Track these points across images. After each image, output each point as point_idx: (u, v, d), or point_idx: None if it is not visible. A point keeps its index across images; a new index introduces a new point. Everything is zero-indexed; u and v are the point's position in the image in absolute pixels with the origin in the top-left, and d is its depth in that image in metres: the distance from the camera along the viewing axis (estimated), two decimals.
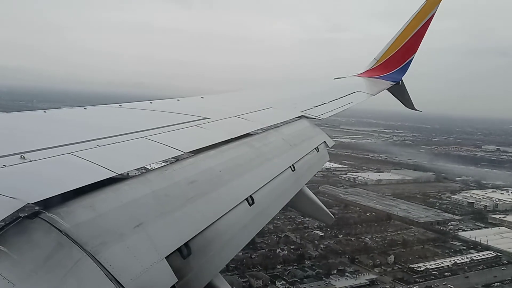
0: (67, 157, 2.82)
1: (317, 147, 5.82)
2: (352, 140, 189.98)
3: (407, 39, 11.54)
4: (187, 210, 2.93)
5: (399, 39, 11.69)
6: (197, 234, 2.79)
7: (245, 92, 8.56)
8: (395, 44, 11.84)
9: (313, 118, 6.68)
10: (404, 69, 11.92)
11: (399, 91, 12.04)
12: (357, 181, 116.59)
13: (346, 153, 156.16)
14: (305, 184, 5.20)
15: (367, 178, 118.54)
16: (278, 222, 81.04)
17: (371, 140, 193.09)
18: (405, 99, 12.29)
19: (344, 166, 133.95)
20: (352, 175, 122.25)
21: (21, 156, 2.64)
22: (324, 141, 6.21)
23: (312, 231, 78.63)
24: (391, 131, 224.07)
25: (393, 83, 11.80)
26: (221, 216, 3.14)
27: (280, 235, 75.83)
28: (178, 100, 5.75)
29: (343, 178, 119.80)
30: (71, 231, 2.15)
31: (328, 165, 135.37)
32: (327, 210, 6.15)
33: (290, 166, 4.71)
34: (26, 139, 3.12)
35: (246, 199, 3.55)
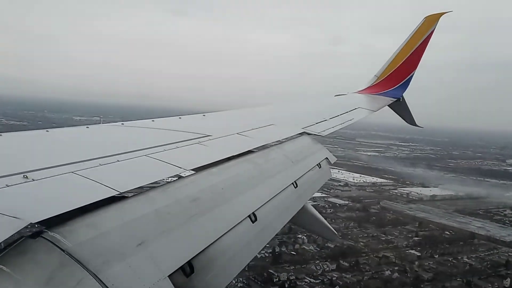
0: (69, 176, 2.84)
1: (319, 163, 5.78)
2: (377, 154, 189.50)
3: (407, 56, 11.75)
4: (189, 227, 2.91)
5: (399, 56, 11.91)
6: (200, 252, 2.78)
7: (246, 109, 8.42)
8: (395, 61, 12.05)
9: (315, 134, 6.67)
10: (405, 86, 12.08)
11: (400, 107, 12.14)
12: (410, 197, 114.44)
13: (381, 167, 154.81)
14: (308, 200, 5.26)
15: (420, 194, 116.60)
16: (362, 241, 78.52)
17: (396, 153, 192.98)
18: (406, 115, 12.37)
19: (387, 181, 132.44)
20: (402, 190, 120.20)
21: (23, 175, 2.65)
22: (326, 158, 6.19)
23: (406, 251, 76.06)
24: (407, 144, 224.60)
25: (394, 100, 11.89)
26: (224, 234, 3.10)
27: (379, 255, 72.89)
28: (180, 117, 5.72)
29: (394, 193, 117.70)
30: (73, 250, 2.15)
31: (372, 179, 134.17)
32: (330, 227, 6.17)
33: (292, 183, 4.68)
34: (29, 158, 3.13)
35: (249, 216, 3.51)
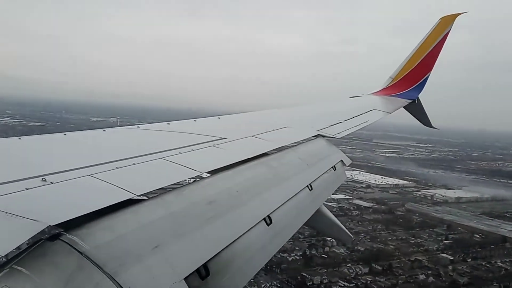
0: (87, 179, 2.87)
1: (334, 166, 5.74)
2: (396, 155, 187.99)
3: (423, 57, 11.60)
4: (205, 230, 2.93)
5: (414, 57, 11.77)
6: (215, 255, 2.79)
7: (261, 112, 8.21)
8: (410, 62, 11.91)
9: (330, 137, 6.62)
10: (420, 87, 11.91)
11: (416, 109, 12.01)
12: (435, 199, 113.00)
13: (402, 169, 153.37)
14: (324, 203, 5.26)
15: (445, 196, 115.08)
16: (392, 244, 77.53)
17: (415, 155, 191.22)
18: (422, 116, 12.24)
19: (409, 182, 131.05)
20: (426, 192, 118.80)
21: (42, 178, 2.69)
22: (341, 160, 6.14)
23: (438, 254, 74.92)
24: (424, 145, 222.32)
25: (410, 101, 11.75)
26: (239, 237, 3.11)
27: (411, 259, 71.90)
28: (195, 120, 5.73)
29: (418, 195, 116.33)
30: (91, 253, 2.18)
31: (394, 181, 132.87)
32: (346, 230, 6.12)
33: (307, 186, 4.65)
34: (47, 162, 3.16)
35: (264, 219, 3.52)
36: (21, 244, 1.92)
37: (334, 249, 74.26)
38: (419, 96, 12.07)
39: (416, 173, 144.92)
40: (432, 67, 11.88)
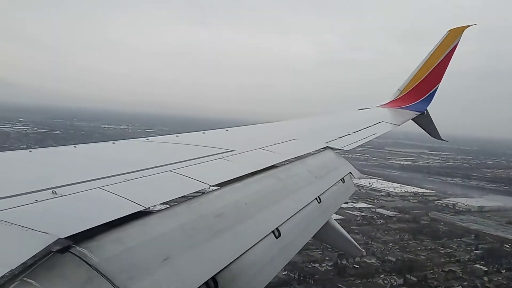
0: (96, 191, 2.89)
1: (342, 178, 5.72)
2: (410, 163, 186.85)
3: (431, 69, 11.61)
4: (214, 243, 2.94)
5: (423, 69, 11.79)
6: (224, 268, 2.80)
7: (269, 124, 8.24)
8: (418, 74, 11.93)
9: (338, 149, 6.56)
10: (429, 99, 11.95)
11: (424, 121, 12.06)
12: (457, 208, 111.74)
13: (418, 177, 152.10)
14: (333, 216, 5.19)
15: (467, 204, 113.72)
16: (422, 254, 76.25)
17: (429, 163, 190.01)
18: (430, 128, 12.30)
19: (428, 191, 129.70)
20: (447, 200, 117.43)
21: (52, 191, 2.71)
22: (350, 172, 6.10)
23: (471, 265, 73.61)
24: (437, 153, 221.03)
25: (418, 113, 11.79)
26: (248, 249, 3.12)
27: (445, 270, 70.62)
28: (204, 133, 5.75)
29: (440, 204, 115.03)
30: (100, 266, 2.19)
31: (413, 189, 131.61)
32: (355, 243, 6.10)
33: (316, 198, 4.65)
34: (57, 174, 3.20)
35: (273, 231, 3.53)
36: (32, 256, 1.94)
37: (365, 259, 73.13)
38: (427, 108, 12.10)
39: (434, 181, 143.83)
40: (441, 80, 11.88)
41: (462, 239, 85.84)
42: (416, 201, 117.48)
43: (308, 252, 76.01)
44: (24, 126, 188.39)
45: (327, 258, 73.03)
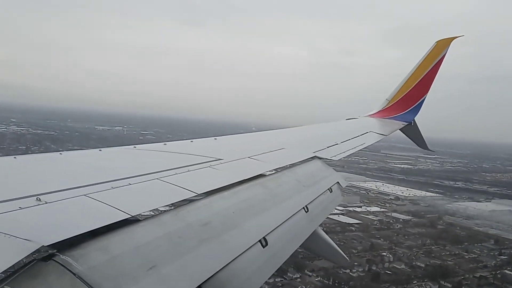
0: (82, 199, 2.87)
1: (330, 187, 5.71)
2: (410, 166, 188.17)
3: (419, 80, 11.76)
4: (200, 252, 2.92)
5: (411, 80, 11.92)
6: (210, 277, 2.78)
7: (257, 133, 8.30)
8: (406, 85, 12.05)
9: (326, 158, 6.57)
10: (417, 110, 12.10)
11: (412, 131, 12.17)
12: (468, 212, 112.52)
13: (422, 180, 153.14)
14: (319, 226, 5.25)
15: (477, 209, 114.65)
16: (448, 259, 76.04)
17: (428, 166, 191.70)
18: (417, 139, 12.44)
19: (435, 195, 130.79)
20: (457, 204, 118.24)
21: (37, 198, 2.68)
22: (338, 182, 6.07)
23: (500, 270, 73.67)
24: (433, 156, 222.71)
25: (406, 124, 11.91)
26: (235, 258, 3.10)
27: (475, 275, 70.48)
28: (192, 141, 5.79)
29: (450, 207, 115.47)
30: (85, 274, 2.15)
31: (420, 193, 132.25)
32: (341, 252, 6.14)
33: (303, 207, 4.64)
34: (42, 181, 3.19)
35: (260, 240, 3.51)
36: (14, 264, 1.90)
37: (394, 265, 72.60)
38: (415, 118, 12.17)
39: (438, 185, 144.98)
40: (428, 90, 11.96)
41: (483, 244, 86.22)
42: (427, 205, 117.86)
43: None
44: (18, 127, 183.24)
45: (356, 263, 72.17)
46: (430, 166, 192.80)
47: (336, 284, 64.56)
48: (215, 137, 6.29)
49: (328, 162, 6.60)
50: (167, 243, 2.77)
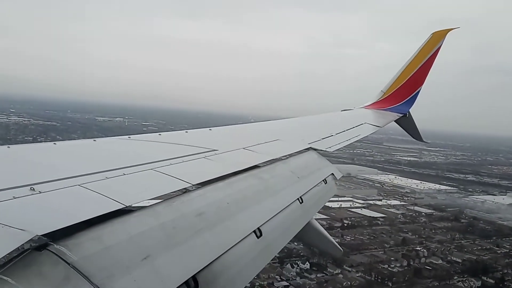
0: (76, 188, 2.87)
1: (325, 179, 5.71)
2: (416, 159, 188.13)
3: (414, 71, 11.74)
4: (194, 242, 2.93)
5: (406, 71, 11.89)
6: (204, 267, 2.79)
7: (252, 124, 8.26)
8: (402, 76, 12.01)
9: (321, 150, 6.50)
10: (411, 101, 12.08)
11: (407, 123, 12.09)
12: (486, 205, 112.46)
13: (432, 173, 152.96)
14: (314, 217, 5.35)
15: (495, 202, 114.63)
16: (481, 254, 75.47)
17: (434, 159, 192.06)
18: (412, 130, 12.37)
19: (449, 188, 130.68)
20: (474, 198, 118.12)
21: (30, 187, 2.67)
22: (332, 173, 6.09)
23: None
24: (436, 149, 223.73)
25: (401, 115, 11.87)
26: (229, 249, 3.12)
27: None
28: (187, 132, 5.73)
29: (467, 201, 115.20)
30: (78, 264, 2.15)
31: (434, 185, 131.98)
32: (336, 243, 6.22)
33: (298, 198, 4.65)
34: (36, 171, 3.15)
35: (254, 231, 3.52)
36: (8, 253, 1.89)
37: (431, 260, 71.88)
38: (410, 110, 12.16)
39: (450, 178, 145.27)
40: (423, 82, 11.92)
41: (511, 238, 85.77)
42: (444, 198, 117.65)
43: (372, 252, 74.09)
44: (19, 117, 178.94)
45: (392, 258, 71.32)
46: (435, 159, 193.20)
47: (379, 280, 63.50)
48: (210, 128, 6.24)
49: (324, 153, 6.57)
50: (161, 233, 2.75)
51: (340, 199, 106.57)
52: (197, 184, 3.62)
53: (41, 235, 2.12)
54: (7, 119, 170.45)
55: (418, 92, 12.07)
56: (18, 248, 1.95)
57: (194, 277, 2.64)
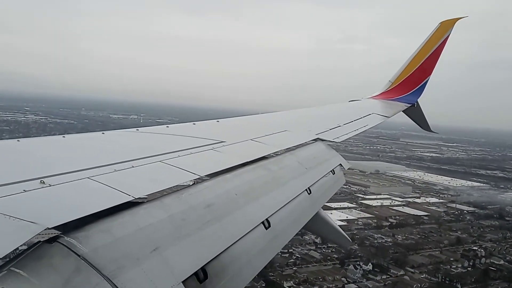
0: (85, 181, 2.89)
1: (333, 169, 5.69)
2: (438, 155, 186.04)
3: (422, 61, 11.53)
4: (203, 233, 2.95)
5: (414, 61, 11.71)
6: (213, 258, 2.81)
7: (260, 115, 8.10)
8: (409, 66, 11.83)
9: (329, 140, 6.50)
10: (420, 91, 11.88)
11: (415, 113, 11.93)
12: None
13: (460, 169, 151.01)
14: (323, 207, 5.33)
15: None
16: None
17: (455, 155, 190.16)
18: (420, 120, 12.20)
19: (481, 184, 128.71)
20: (510, 194, 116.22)
21: (40, 181, 2.69)
22: (340, 164, 6.06)
23: None
24: (453, 144, 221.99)
25: (409, 105, 11.67)
26: (238, 240, 3.13)
27: None
28: (194, 124, 5.66)
29: (503, 198, 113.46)
30: (89, 256, 2.17)
31: (465, 182, 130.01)
32: (344, 233, 6.10)
33: (306, 189, 4.68)
34: (46, 164, 3.18)
35: (262, 222, 3.54)
36: (19, 246, 1.89)
37: (492, 260, 69.92)
38: (418, 100, 11.97)
39: (478, 174, 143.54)
40: (432, 71, 11.76)
41: None
42: (480, 195, 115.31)
43: (429, 252, 72.14)
44: (35, 116, 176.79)
45: (451, 259, 69.31)
46: (457, 154, 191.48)
47: (447, 282, 61.49)
48: (218, 120, 6.19)
49: (332, 144, 6.51)
50: (170, 225, 2.75)
51: (378, 196, 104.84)
52: (205, 175, 3.58)
53: (52, 228, 2.12)
54: (25, 117, 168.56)
55: (427, 82, 11.89)
56: (29, 240, 1.94)
57: (203, 268, 2.63)
